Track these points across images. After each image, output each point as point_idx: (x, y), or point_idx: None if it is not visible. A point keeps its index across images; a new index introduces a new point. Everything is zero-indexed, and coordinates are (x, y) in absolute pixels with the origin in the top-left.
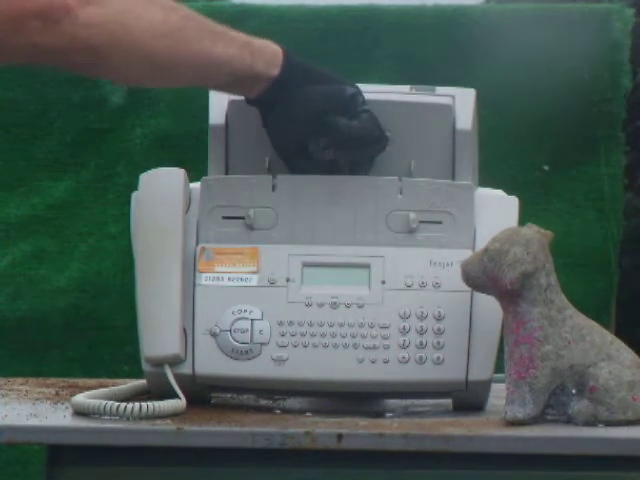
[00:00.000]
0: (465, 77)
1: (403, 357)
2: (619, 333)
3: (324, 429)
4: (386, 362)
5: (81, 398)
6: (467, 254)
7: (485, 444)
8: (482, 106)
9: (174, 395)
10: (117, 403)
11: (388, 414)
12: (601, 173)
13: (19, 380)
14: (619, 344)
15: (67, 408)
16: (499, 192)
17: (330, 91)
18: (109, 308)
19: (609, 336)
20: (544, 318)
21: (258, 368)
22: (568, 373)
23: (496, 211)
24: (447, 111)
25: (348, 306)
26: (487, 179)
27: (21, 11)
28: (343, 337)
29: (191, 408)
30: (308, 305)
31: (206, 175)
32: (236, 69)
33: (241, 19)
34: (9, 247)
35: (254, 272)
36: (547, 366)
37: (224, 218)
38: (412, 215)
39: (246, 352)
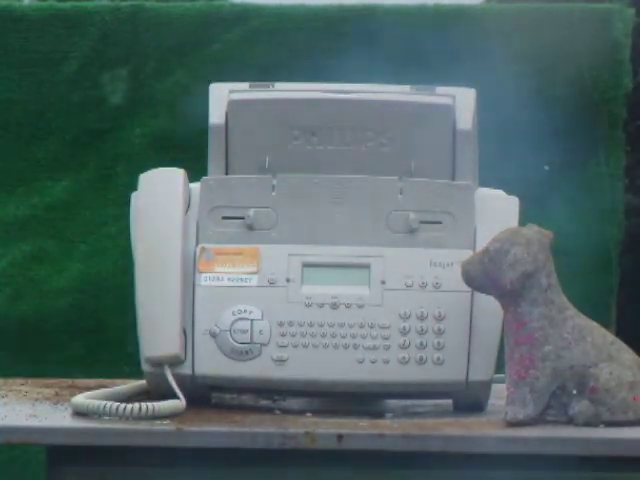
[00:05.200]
0: (465, 76)
1: (403, 357)
2: (619, 333)
3: (324, 429)
4: (386, 362)
5: (81, 398)
6: (467, 254)
7: (485, 444)
8: (482, 106)
9: (174, 395)
10: (117, 403)
11: (388, 414)
12: (601, 173)
13: (19, 380)
14: (620, 345)
15: (67, 408)
16: (499, 192)
17: None
18: (109, 308)
19: (610, 336)
20: (544, 318)
21: (258, 368)
22: (569, 374)
23: (496, 211)
24: (447, 111)
25: (348, 306)
26: (487, 179)
27: None
28: (343, 337)
29: (191, 408)
30: (308, 305)
31: (206, 175)
32: None
33: (241, 19)
34: (9, 247)
35: (254, 272)
36: (547, 367)
37: (224, 218)
38: (412, 215)
39: (246, 352)
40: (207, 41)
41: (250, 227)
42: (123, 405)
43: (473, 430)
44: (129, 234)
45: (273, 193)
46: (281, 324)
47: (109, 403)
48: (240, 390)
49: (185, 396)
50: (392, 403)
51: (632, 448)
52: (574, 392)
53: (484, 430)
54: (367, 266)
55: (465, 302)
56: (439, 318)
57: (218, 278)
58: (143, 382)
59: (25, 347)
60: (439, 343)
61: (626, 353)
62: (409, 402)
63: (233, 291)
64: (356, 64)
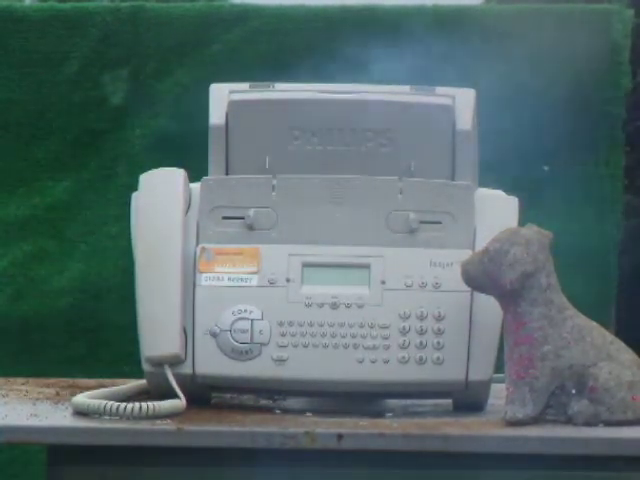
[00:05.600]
0: (465, 77)
1: (403, 357)
2: (619, 333)
3: (324, 429)
4: (386, 362)
5: (81, 398)
6: (467, 254)
7: (485, 444)
8: (482, 106)
9: (174, 395)
10: (117, 403)
11: (388, 414)
12: (601, 173)
13: (19, 380)
14: (619, 344)
15: (67, 408)
16: (499, 192)
17: None
18: (109, 308)
19: (609, 336)
20: (544, 318)
21: (258, 368)
22: (568, 373)
23: (496, 211)
24: (447, 111)
25: (348, 306)
26: (487, 179)
27: None
28: (343, 337)
29: (191, 408)
30: (308, 305)
31: (206, 175)
32: None
33: (241, 19)
34: (9, 247)
35: (254, 272)
36: (547, 366)
37: (224, 218)
38: (412, 215)
39: (246, 352)
40: (207, 41)
41: (250, 227)
42: (123, 405)
43: (473, 430)
44: (129, 234)
45: (273, 193)
46: (281, 324)
47: (109, 403)
48: (240, 390)
49: (185, 396)
50: (392, 403)
51: (631, 447)
52: (573, 392)
53: (484, 430)
54: (367, 266)
55: (465, 302)
56: (439, 318)
57: (218, 278)
58: (143, 382)
59: (26, 347)
60: (439, 343)
61: (625, 353)
62: (409, 402)
63: (233, 291)
64: (356, 65)
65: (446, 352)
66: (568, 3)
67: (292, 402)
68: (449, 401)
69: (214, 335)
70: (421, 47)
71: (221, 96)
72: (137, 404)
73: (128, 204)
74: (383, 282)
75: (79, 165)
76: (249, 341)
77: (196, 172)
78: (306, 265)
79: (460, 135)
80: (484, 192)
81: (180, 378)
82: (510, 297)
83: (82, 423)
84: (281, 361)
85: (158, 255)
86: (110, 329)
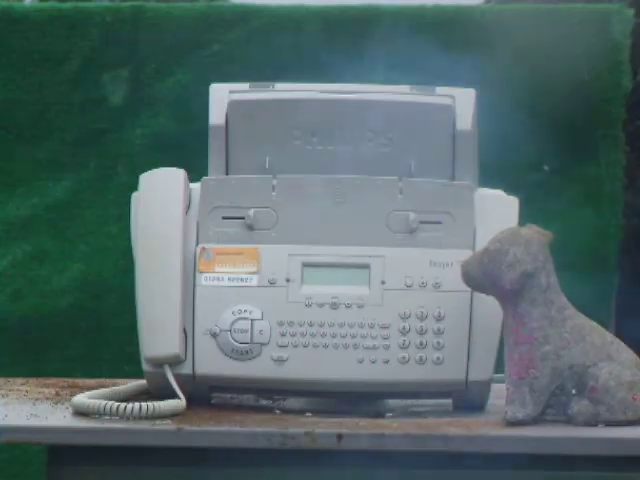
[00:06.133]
0: (465, 77)
1: (403, 357)
2: (619, 333)
3: (324, 429)
4: (386, 362)
5: (81, 398)
6: (467, 254)
7: (485, 444)
8: (482, 106)
9: (174, 395)
10: (117, 403)
11: (388, 414)
12: (601, 173)
13: (19, 380)
14: (619, 344)
15: (67, 408)
16: (499, 192)
17: None
18: (109, 308)
19: (609, 336)
20: (544, 318)
21: (258, 368)
22: (568, 373)
23: (496, 211)
24: (447, 111)
25: (348, 306)
26: (487, 179)
27: None
28: (343, 337)
29: (191, 408)
30: (308, 305)
31: (206, 175)
32: None
33: (241, 19)
34: (9, 247)
35: (254, 272)
36: (547, 366)
37: (224, 218)
38: (412, 215)
39: (246, 352)
40: (207, 41)
41: (250, 227)
42: (123, 405)
43: (473, 430)
44: (130, 234)
45: (273, 193)
46: (281, 324)
47: (109, 403)
48: (240, 390)
49: (185, 396)
50: (392, 403)
51: (631, 447)
52: (573, 392)
53: (484, 430)
54: (367, 266)
55: (465, 302)
56: (439, 318)
57: (218, 278)
58: (143, 382)
59: (26, 347)
60: (439, 343)
61: (625, 353)
62: (409, 402)
63: (233, 291)
64: (356, 65)
65: (446, 352)
66: (568, 3)
67: (292, 402)
68: (449, 401)
69: (214, 335)
70: (421, 47)
71: (221, 96)
72: (137, 404)
73: (128, 204)
74: (383, 282)
75: (79, 165)
76: (249, 341)
77: (196, 172)
78: (306, 265)
79: (460, 135)
80: (484, 192)
81: (180, 378)
82: (510, 297)
83: (82, 423)
84: (281, 361)
85: (158, 255)
86: (110, 329)
